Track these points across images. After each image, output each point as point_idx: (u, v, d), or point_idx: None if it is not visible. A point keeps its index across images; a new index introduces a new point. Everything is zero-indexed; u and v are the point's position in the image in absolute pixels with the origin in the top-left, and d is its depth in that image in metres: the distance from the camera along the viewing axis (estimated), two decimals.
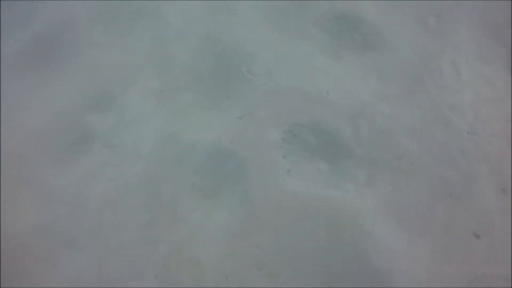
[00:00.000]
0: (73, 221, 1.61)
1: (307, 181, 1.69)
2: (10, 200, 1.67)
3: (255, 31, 2.13)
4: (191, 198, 1.65)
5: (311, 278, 1.48)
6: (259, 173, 1.70)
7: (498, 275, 1.48)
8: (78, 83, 2.00)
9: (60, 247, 1.55)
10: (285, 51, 2.05)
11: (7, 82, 2.02)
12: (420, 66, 1.94)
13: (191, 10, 2.25)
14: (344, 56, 2.02)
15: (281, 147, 1.77)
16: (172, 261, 1.51)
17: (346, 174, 1.70)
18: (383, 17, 2.13)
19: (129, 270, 1.50)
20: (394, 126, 1.79)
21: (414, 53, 1.99)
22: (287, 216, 1.60)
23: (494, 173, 1.67)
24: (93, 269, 1.51)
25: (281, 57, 2.03)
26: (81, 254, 1.53)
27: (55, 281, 1.49)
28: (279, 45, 2.07)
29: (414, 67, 1.94)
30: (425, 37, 2.05)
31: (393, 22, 2.11)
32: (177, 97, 1.94)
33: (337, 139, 1.78)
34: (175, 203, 1.64)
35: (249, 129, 1.81)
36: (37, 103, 1.93)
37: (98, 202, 1.64)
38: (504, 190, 1.64)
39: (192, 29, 2.16)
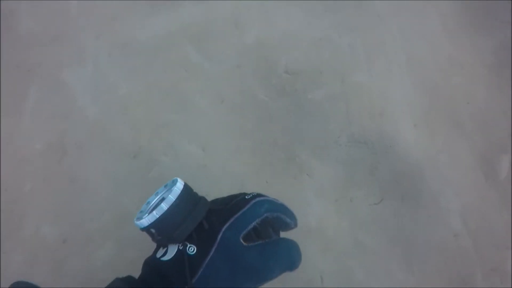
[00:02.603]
0: None
1: None
2: None
3: (214, 149, 1.30)
4: None
5: None
6: None
7: None
8: None
9: None
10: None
11: None
12: (474, 255, 1.20)
13: (113, 88, 1.36)
14: (355, 198, 1.27)
15: None
16: None
17: None
18: (430, 149, 1.30)
19: None
20: None
21: (467, 222, 1.24)
22: None
23: None
24: None
25: None
26: None
27: None
28: (254, 180, 1.27)
29: (465, 255, 1.21)
30: (489, 193, 1.27)
31: (443, 159, 1.30)
32: (87, 257, 1.22)
33: None
34: None
35: None
36: None
37: None
38: None
39: (112, 133, 1.31)
